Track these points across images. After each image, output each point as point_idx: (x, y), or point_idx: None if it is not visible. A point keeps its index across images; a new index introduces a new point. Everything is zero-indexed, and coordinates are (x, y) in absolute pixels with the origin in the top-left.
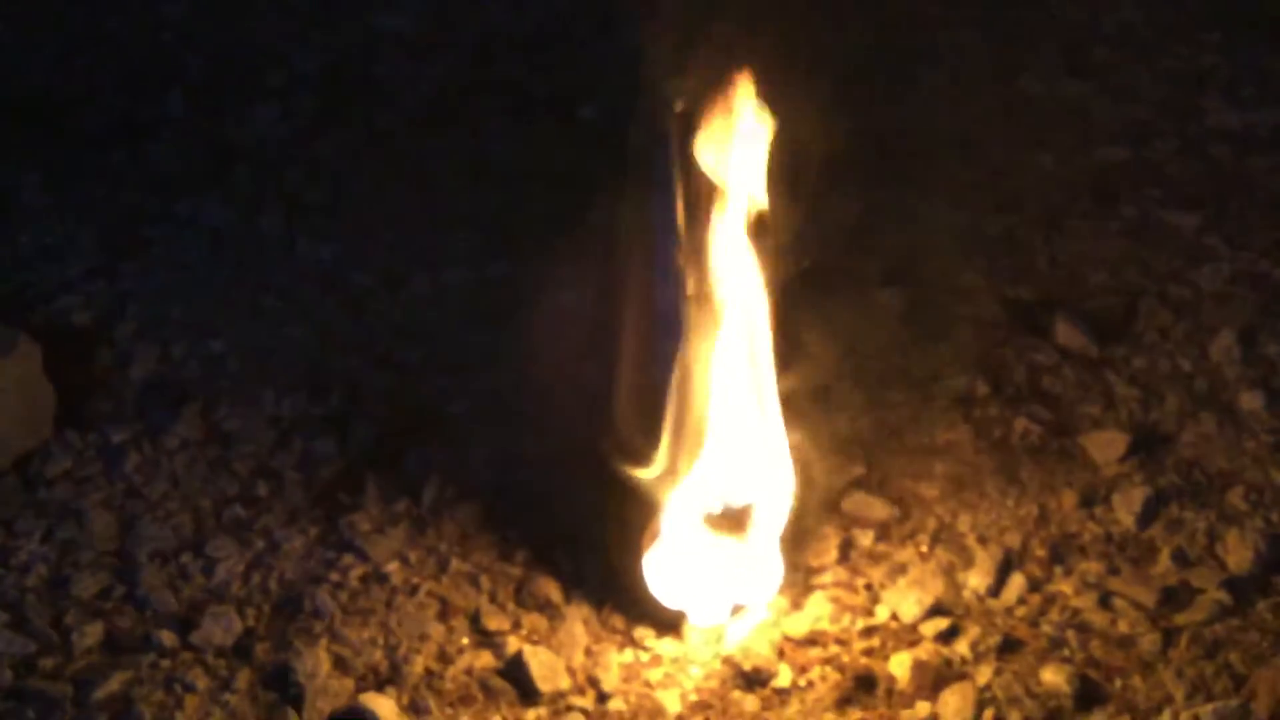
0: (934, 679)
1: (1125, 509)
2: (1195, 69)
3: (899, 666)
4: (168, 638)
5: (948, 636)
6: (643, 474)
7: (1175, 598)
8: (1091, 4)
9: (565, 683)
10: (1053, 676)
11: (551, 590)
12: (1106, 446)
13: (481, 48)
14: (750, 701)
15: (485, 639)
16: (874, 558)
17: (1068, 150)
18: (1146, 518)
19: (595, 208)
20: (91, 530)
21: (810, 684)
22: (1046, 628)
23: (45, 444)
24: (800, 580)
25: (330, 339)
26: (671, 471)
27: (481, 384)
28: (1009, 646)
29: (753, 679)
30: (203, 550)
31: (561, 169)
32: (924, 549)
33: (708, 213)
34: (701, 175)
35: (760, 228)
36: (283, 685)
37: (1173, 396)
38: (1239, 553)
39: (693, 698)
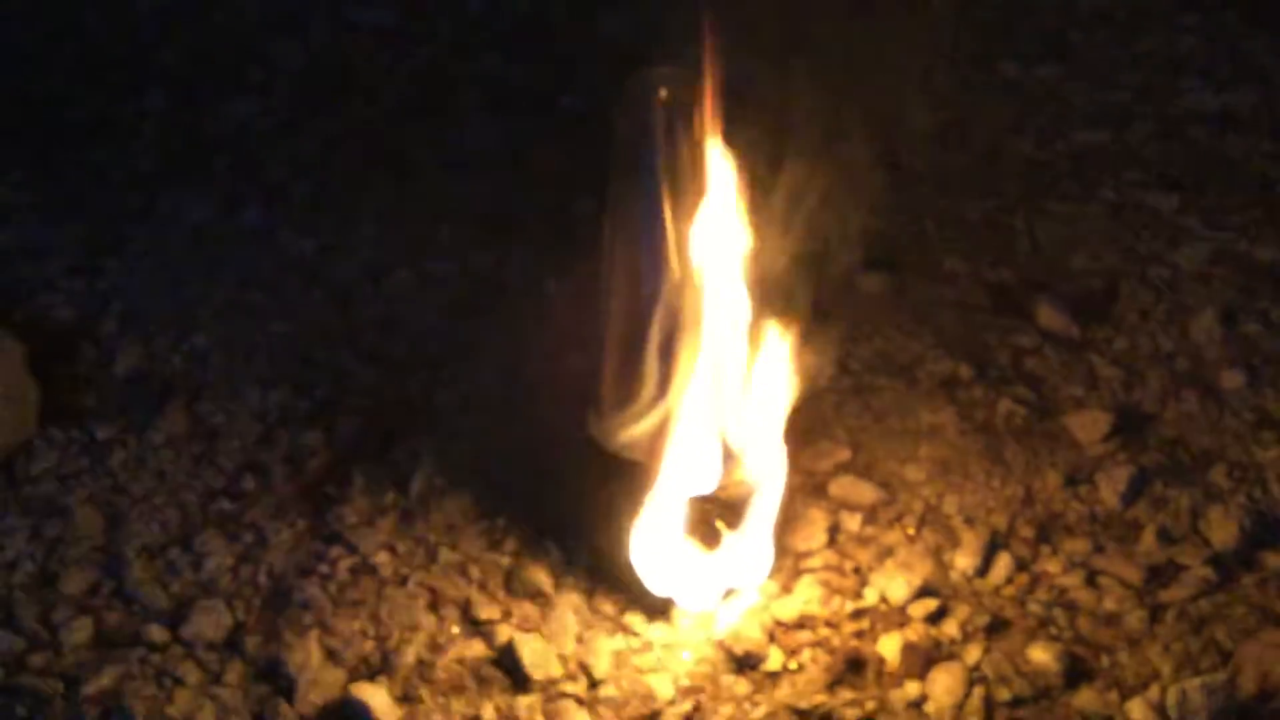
0: (923, 660)
1: (1109, 488)
2: (1172, 51)
3: (888, 648)
4: (157, 633)
5: (936, 617)
6: (631, 460)
7: (1161, 574)
8: None
9: (557, 670)
10: (1041, 655)
11: (541, 578)
12: (1090, 426)
13: (460, 39)
14: (741, 685)
15: (476, 628)
16: (862, 541)
17: (1047, 134)
18: (1131, 496)
19: (578, 197)
20: (78, 527)
21: (801, 667)
22: (1034, 607)
23: (30, 441)
24: (789, 564)
25: (314, 332)
26: (660, 457)
27: (467, 374)
28: (997, 626)
29: (743, 663)
30: (191, 545)
31: (543, 159)
32: (911, 531)
33: (693, 200)
34: (686, 162)
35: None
36: (274, 678)
37: (1154, 376)
38: (1223, 529)
39: (684, 682)
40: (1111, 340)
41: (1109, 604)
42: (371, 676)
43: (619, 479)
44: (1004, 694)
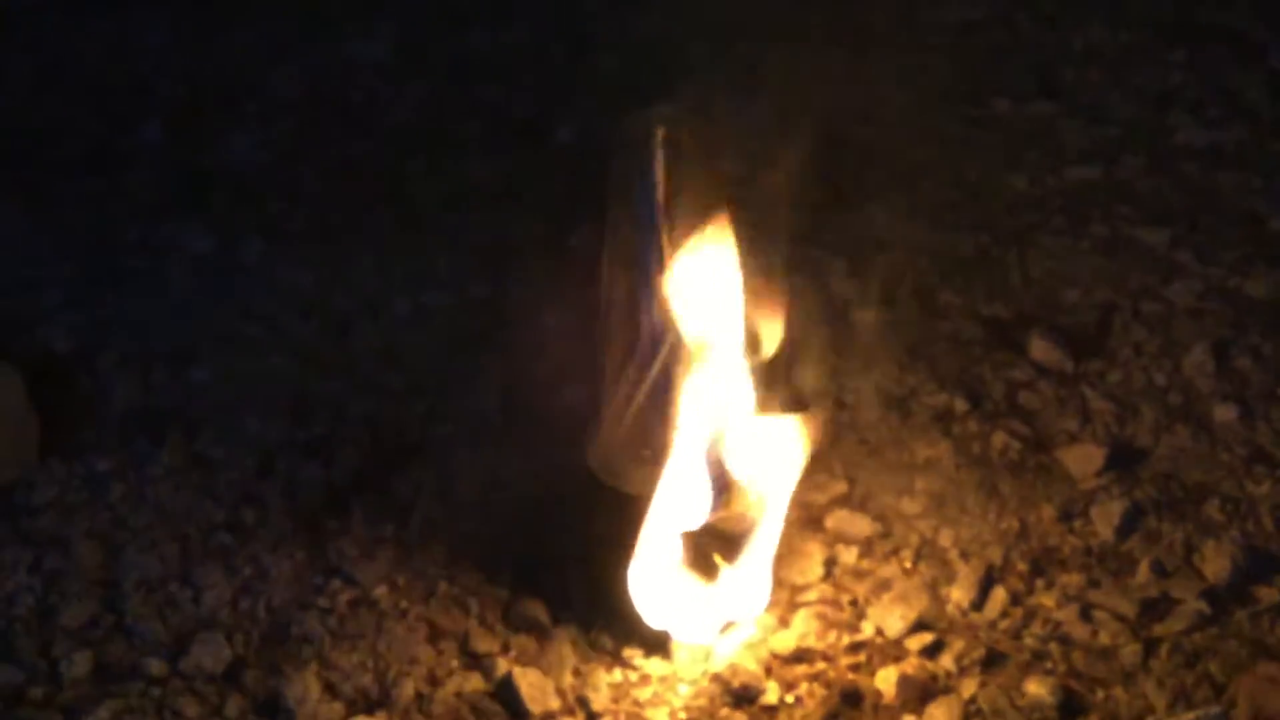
0: (920, 693)
1: (1104, 521)
2: (1162, 87)
3: (885, 682)
4: (157, 666)
5: (932, 651)
6: (629, 493)
7: (1155, 608)
8: (1059, 25)
9: (555, 703)
10: (1036, 688)
11: (539, 611)
12: (1084, 460)
13: (458, 72)
14: (739, 718)
15: (474, 661)
16: (858, 574)
17: (1039, 169)
18: (1125, 530)
19: (575, 228)
20: (78, 559)
21: (798, 700)
22: (1029, 640)
23: (30, 473)
24: (786, 597)
25: (313, 364)
26: (658, 490)
27: (465, 406)
28: (993, 660)
29: (741, 696)
30: (190, 578)
31: (540, 190)
32: (907, 565)
33: (689, 234)
34: (682, 198)
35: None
36: (273, 711)
37: (1148, 410)
38: (1216, 563)
39: (682, 716)
40: (1104, 374)
41: (1104, 638)
42: (370, 710)
43: (617, 511)
44: None
